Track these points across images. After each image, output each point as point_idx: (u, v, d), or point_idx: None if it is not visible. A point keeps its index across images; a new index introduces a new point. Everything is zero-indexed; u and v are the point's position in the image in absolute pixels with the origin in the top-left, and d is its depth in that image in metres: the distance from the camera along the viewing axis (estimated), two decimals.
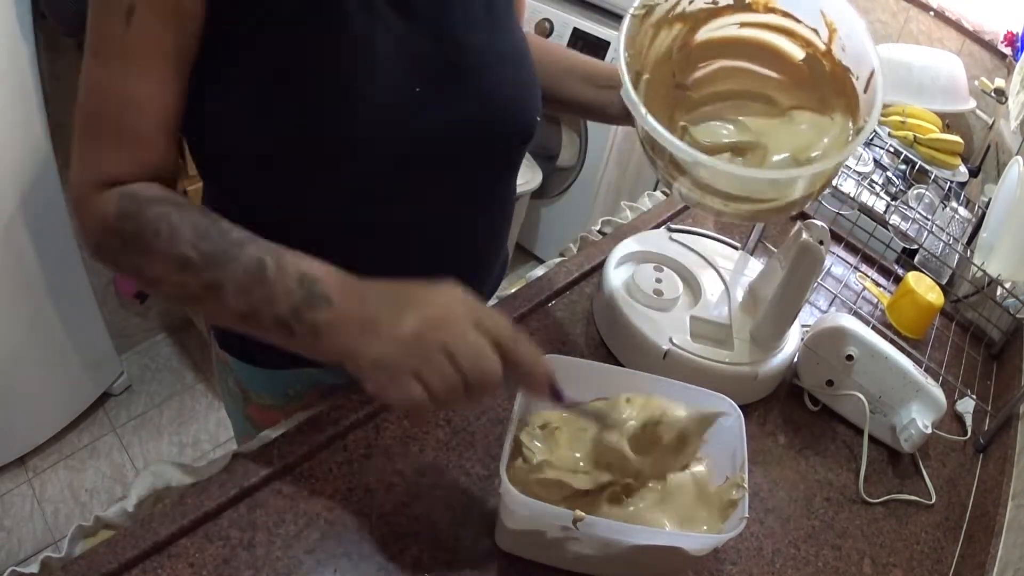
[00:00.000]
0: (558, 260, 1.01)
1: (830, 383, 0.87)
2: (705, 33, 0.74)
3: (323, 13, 0.57)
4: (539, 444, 0.62)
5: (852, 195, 1.19)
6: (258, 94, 0.59)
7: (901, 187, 1.35)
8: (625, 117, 0.84)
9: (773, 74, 0.75)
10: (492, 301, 0.89)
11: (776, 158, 0.71)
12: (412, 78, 0.62)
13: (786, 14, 0.70)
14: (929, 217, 1.25)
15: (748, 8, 0.71)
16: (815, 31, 0.69)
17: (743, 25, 0.73)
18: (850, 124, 0.70)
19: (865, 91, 0.65)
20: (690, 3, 0.71)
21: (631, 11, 0.69)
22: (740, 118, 0.75)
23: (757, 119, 0.75)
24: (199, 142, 0.65)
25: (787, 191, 0.67)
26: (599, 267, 0.96)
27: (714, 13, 0.72)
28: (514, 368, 0.54)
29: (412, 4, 0.61)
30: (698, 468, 0.64)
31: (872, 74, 0.63)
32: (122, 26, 0.54)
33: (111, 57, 0.55)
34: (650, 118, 0.62)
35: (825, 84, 0.70)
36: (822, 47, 0.69)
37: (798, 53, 0.71)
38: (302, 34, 0.57)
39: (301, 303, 0.54)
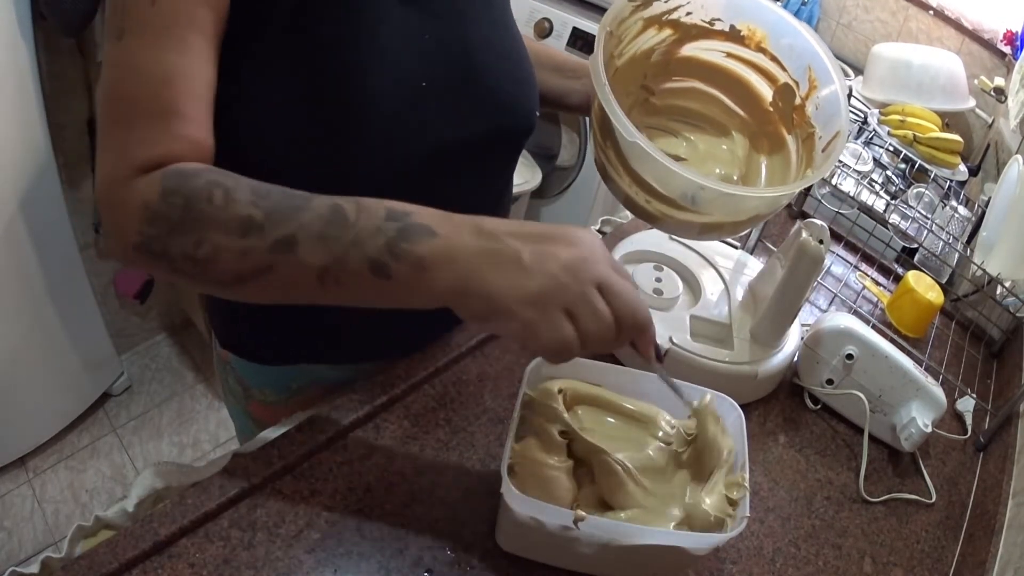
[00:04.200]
0: None
1: (830, 382, 0.87)
2: (691, 50, 0.75)
3: (329, 5, 0.57)
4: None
5: (852, 194, 1.19)
6: (265, 92, 0.59)
7: (901, 186, 1.35)
8: (581, 107, 0.86)
9: (740, 111, 0.75)
10: None
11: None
12: (419, 72, 0.62)
13: (774, 58, 0.71)
14: (929, 216, 1.25)
15: (740, 40, 0.72)
16: (796, 84, 0.69)
17: (729, 55, 0.74)
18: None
19: (824, 150, 0.65)
20: (687, 15, 0.71)
21: None
22: (692, 137, 0.76)
23: (707, 138, 0.76)
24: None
25: (700, 203, 0.65)
26: None
27: (706, 33, 0.73)
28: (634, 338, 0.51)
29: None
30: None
31: (836, 135, 0.63)
32: (149, 2, 0.51)
33: (142, 35, 0.51)
34: (607, 88, 0.60)
35: (780, 136, 0.72)
36: (797, 101, 0.70)
37: (769, 98, 0.73)
38: (308, 26, 0.57)
39: (397, 236, 0.47)
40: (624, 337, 0.49)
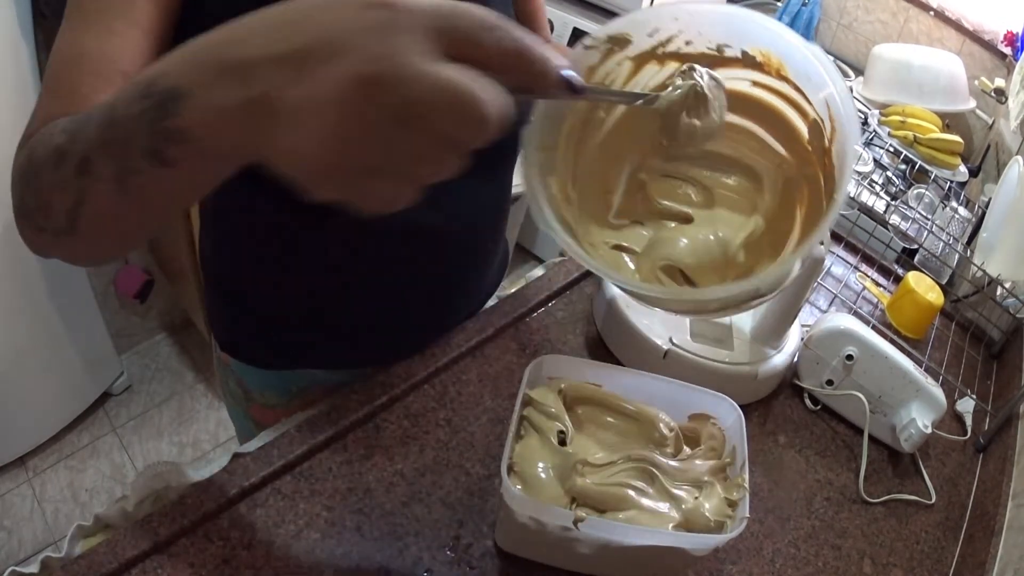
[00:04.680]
0: (558, 260, 1.01)
1: (830, 383, 0.87)
2: None
3: None
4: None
5: (852, 195, 1.19)
6: None
7: (901, 187, 1.35)
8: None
9: (779, 147, 0.61)
10: (492, 301, 0.89)
11: (683, 244, 0.62)
12: None
13: (797, 88, 0.58)
14: (929, 217, 1.25)
15: (759, 67, 0.60)
16: (822, 121, 0.57)
17: (755, 84, 0.61)
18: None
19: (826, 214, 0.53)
20: (687, 44, 0.60)
21: (585, 42, 0.57)
22: (711, 187, 0.64)
23: (729, 188, 0.64)
24: None
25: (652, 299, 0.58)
26: None
27: (719, 61, 0.60)
28: (510, 66, 0.35)
29: None
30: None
31: (832, 202, 0.52)
32: None
33: (73, 19, 0.52)
34: (542, 201, 0.52)
35: (819, 183, 0.58)
36: (825, 143, 0.56)
37: (806, 134, 0.59)
38: None
39: (154, 116, 0.36)
40: (476, 140, 0.34)
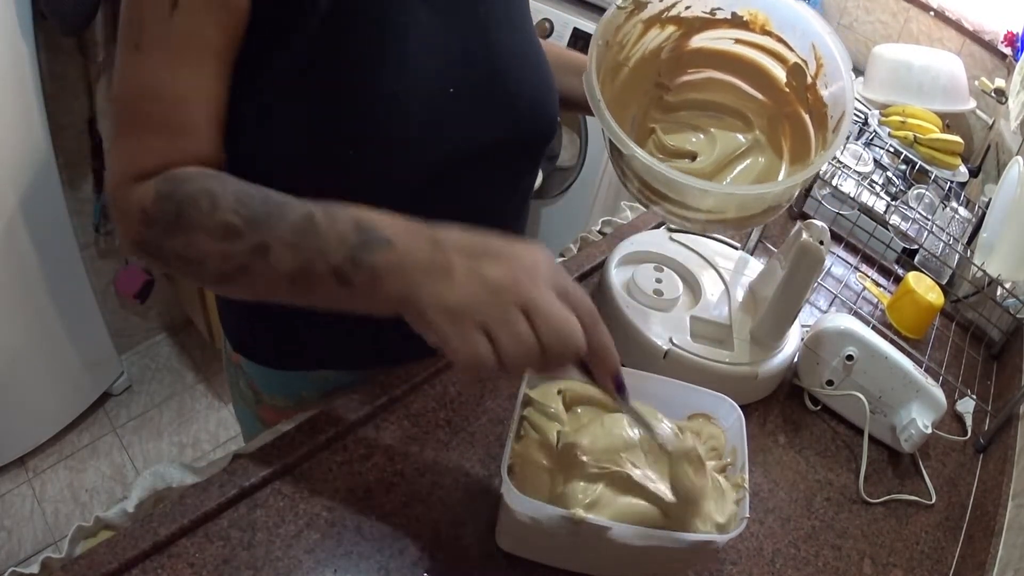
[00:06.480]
0: (558, 260, 1.01)
1: (830, 383, 0.87)
2: (699, 41, 0.76)
3: (358, 11, 0.57)
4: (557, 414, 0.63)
5: (852, 195, 1.19)
6: (291, 95, 0.59)
7: (901, 187, 1.35)
8: None
9: (758, 95, 0.76)
10: None
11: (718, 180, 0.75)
12: (444, 78, 0.62)
13: (780, 39, 0.72)
14: (929, 217, 1.25)
15: (744, 25, 0.73)
16: (804, 62, 0.70)
17: (738, 41, 0.75)
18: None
19: (833, 130, 0.68)
20: (686, 8, 0.73)
21: (617, 2, 0.70)
22: (711, 130, 0.77)
23: (727, 135, 0.77)
24: (231, 139, 0.65)
25: (704, 201, 0.69)
26: (599, 267, 0.96)
27: (710, 23, 0.74)
28: (588, 348, 0.49)
29: (442, 2, 0.62)
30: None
31: (843, 116, 0.65)
32: (165, 17, 0.52)
33: (158, 52, 0.53)
34: (602, 104, 0.64)
35: (800, 117, 0.73)
36: (808, 80, 0.70)
37: (784, 79, 0.73)
38: (335, 34, 0.57)
39: (358, 247, 0.49)
40: (550, 364, 0.48)
